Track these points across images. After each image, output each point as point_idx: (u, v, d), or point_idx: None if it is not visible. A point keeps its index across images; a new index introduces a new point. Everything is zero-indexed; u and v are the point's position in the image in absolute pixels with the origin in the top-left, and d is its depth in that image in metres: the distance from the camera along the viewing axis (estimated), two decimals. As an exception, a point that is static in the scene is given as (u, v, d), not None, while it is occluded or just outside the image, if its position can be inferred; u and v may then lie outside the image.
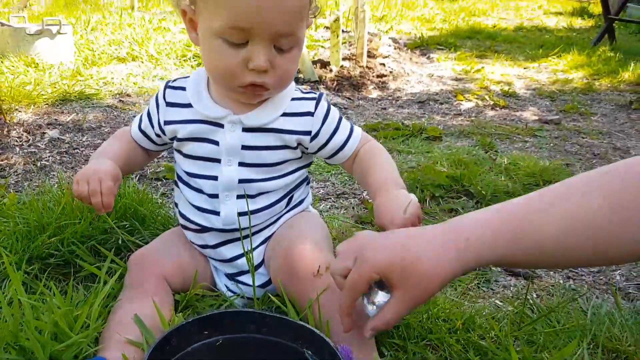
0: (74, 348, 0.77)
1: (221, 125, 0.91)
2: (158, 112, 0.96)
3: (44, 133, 2.05)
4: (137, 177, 1.69)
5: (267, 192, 0.94)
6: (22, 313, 0.80)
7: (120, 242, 1.09)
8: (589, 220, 0.62)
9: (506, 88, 3.28)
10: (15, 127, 2.05)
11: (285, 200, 0.97)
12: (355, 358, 0.74)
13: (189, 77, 0.97)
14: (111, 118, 2.35)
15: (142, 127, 0.99)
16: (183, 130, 0.93)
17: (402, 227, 0.77)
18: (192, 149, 0.94)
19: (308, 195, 1.05)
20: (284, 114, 0.92)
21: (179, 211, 0.99)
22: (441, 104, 2.91)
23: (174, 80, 0.98)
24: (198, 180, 0.94)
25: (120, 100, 2.64)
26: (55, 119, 2.25)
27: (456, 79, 3.57)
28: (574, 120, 2.67)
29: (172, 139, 0.96)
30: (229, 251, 0.97)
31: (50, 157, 1.83)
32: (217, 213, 0.93)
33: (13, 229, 1.07)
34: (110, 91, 2.78)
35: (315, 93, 0.96)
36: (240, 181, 0.91)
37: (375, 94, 3.08)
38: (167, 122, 0.95)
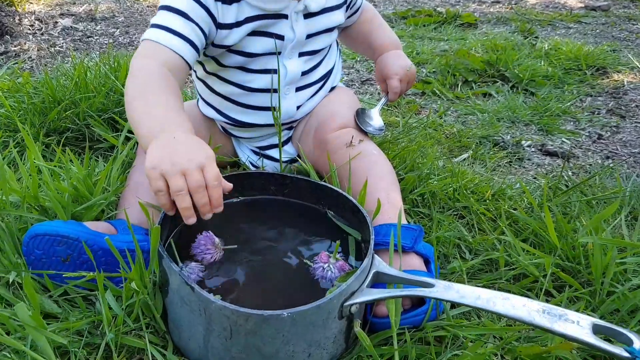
0: (95, 209, 0.76)
1: (284, 17, 0.81)
2: (207, 10, 0.76)
3: (56, 22, 1.97)
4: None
5: (318, 79, 0.90)
6: (41, 178, 0.79)
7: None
8: None
9: (549, -26, 3.01)
10: (27, 15, 1.98)
11: (329, 83, 0.94)
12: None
13: None
14: (125, 8, 2.25)
15: (185, 33, 0.73)
16: (240, 31, 0.79)
17: (403, 80, 0.91)
18: (246, 45, 0.81)
19: (338, 65, 0.98)
20: None
21: (220, 111, 0.90)
22: (476, -9, 2.69)
23: None
24: (248, 76, 0.84)
25: (134, -9, 2.52)
26: (67, 10, 2.16)
27: (493, -34, 3.27)
28: (624, 7, 2.44)
29: (218, 45, 0.80)
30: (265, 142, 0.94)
31: (65, 44, 1.77)
32: (269, 109, 0.86)
33: (28, 104, 1.05)
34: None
35: None
36: (303, 73, 0.87)
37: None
38: (221, 26, 0.78)
